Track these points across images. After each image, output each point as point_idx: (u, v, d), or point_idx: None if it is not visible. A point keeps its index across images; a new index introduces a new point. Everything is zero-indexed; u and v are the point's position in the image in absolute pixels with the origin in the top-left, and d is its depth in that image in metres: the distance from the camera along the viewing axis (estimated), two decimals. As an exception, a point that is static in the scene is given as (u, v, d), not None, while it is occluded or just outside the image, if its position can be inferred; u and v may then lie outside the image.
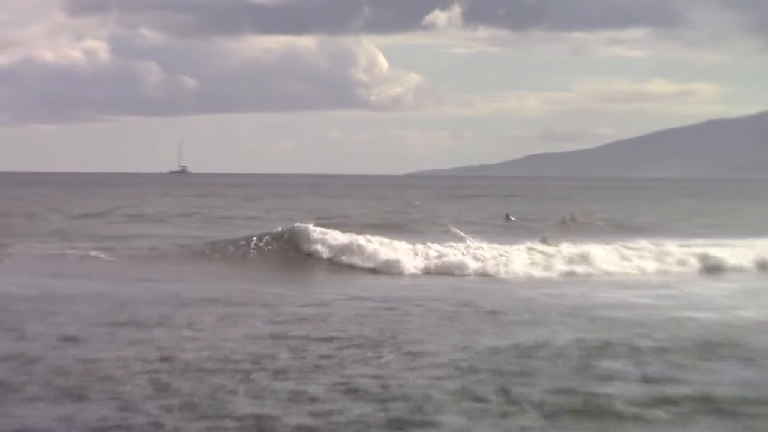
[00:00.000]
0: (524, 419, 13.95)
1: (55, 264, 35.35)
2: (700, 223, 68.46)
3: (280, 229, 39.90)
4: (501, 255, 37.09)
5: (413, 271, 35.23)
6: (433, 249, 37.40)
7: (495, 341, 19.99)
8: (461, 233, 43.10)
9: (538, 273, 35.61)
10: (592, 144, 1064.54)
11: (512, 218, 70.67)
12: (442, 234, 43.83)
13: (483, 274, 34.90)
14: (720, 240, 46.30)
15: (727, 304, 27.37)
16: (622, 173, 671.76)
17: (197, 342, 19.44)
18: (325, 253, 37.28)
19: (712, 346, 19.69)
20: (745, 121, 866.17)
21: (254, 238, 39.15)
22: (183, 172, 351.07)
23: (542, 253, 37.93)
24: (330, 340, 19.81)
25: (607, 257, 37.86)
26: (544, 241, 42.73)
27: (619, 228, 59.74)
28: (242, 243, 39.03)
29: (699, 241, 46.21)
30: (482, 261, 36.22)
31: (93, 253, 38.08)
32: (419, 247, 37.51)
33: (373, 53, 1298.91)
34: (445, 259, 36.42)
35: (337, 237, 37.99)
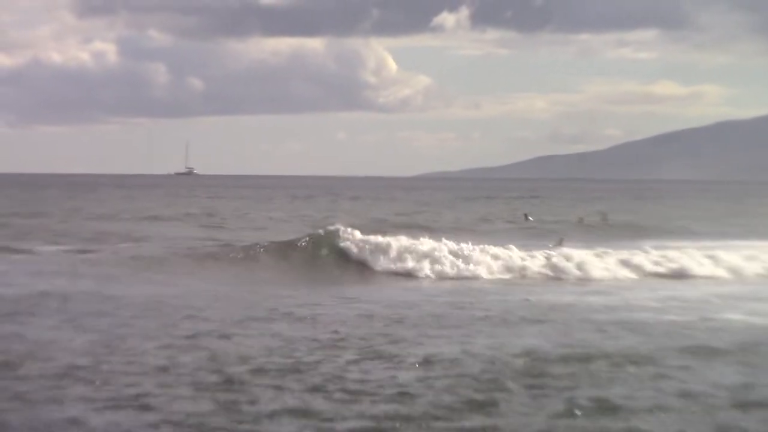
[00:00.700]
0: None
1: (160, 265, 35.33)
2: (734, 223, 67.89)
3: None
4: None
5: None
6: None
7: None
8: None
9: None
10: (599, 146, 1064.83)
11: (530, 219, 70.74)
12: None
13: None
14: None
15: None
16: (629, 175, 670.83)
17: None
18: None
19: None
20: (754, 123, 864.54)
21: (303, 241, 38.97)
22: (190, 173, 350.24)
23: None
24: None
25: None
26: (560, 243, 42.93)
27: (663, 232, 59.07)
28: (302, 244, 38.77)
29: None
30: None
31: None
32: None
33: (382, 55, 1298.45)
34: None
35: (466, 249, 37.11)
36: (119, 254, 39.45)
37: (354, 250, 37.53)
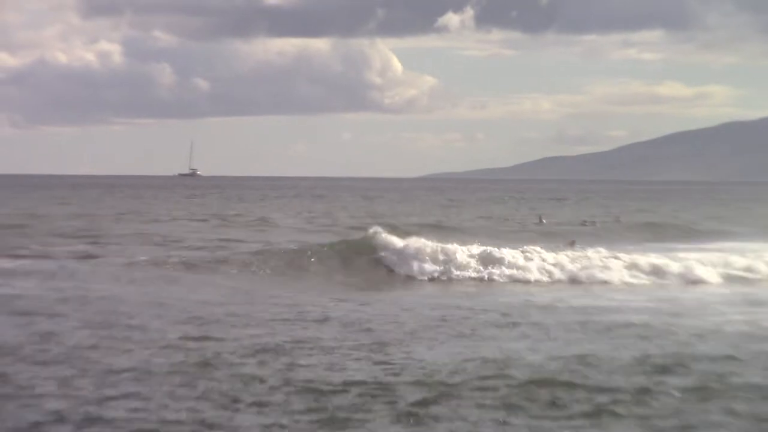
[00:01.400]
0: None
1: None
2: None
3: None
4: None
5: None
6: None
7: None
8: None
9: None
10: (605, 147, 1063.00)
11: (544, 221, 69.96)
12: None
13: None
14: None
15: None
16: (635, 176, 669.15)
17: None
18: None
19: None
20: (761, 124, 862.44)
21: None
22: (193, 175, 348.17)
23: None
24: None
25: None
26: (572, 244, 42.63)
27: (689, 233, 57.84)
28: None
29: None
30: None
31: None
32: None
33: (387, 56, 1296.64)
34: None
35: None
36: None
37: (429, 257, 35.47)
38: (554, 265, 35.28)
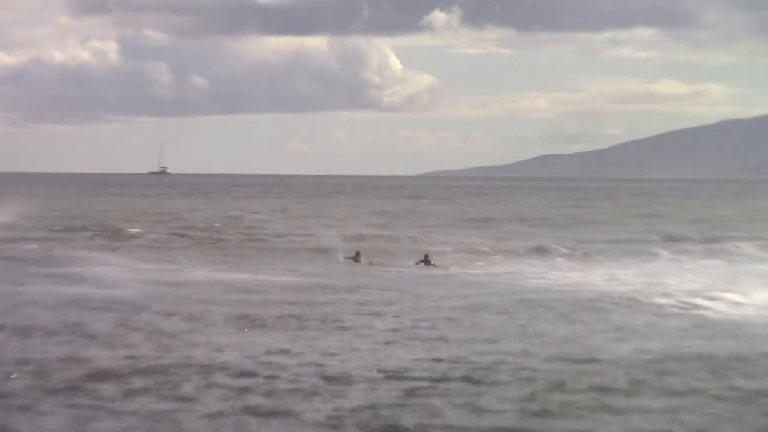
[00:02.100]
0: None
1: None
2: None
3: None
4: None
5: None
6: None
7: None
8: None
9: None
10: (601, 145, 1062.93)
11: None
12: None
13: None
14: None
15: None
16: (632, 174, 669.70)
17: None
18: None
19: None
20: (757, 122, 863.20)
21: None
22: (163, 173, 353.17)
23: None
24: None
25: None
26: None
27: None
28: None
29: None
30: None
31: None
32: None
33: (385, 53, 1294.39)
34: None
35: None
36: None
37: None
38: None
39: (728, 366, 20.77)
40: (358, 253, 46.18)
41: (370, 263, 44.84)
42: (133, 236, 58.25)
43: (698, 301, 30.95)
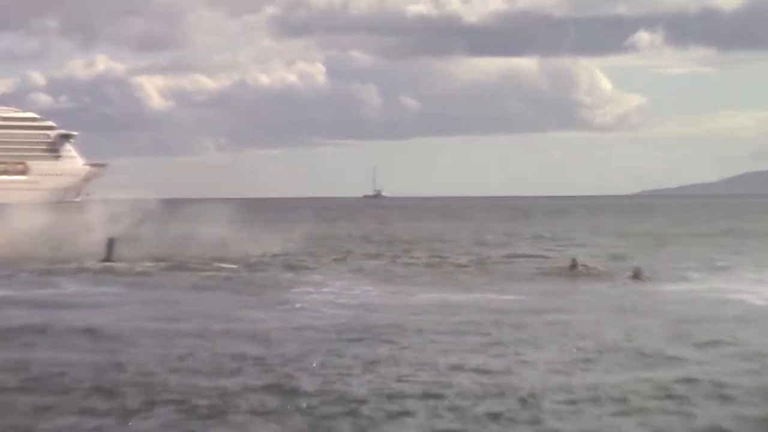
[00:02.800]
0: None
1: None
2: None
3: None
4: None
5: None
6: None
7: None
8: None
9: None
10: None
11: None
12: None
13: None
14: None
15: None
16: None
17: None
18: None
19: None
20: None
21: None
22: (378, 196, 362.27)
23: None
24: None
25: None
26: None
27: None
28: None
29: None
30: None
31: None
32: None
33: (593, 74, 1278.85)
34: None
35: None
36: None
37: None
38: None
39: None
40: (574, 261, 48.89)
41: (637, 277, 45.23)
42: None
43: None
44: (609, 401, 19.55)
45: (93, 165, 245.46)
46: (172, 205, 66.86)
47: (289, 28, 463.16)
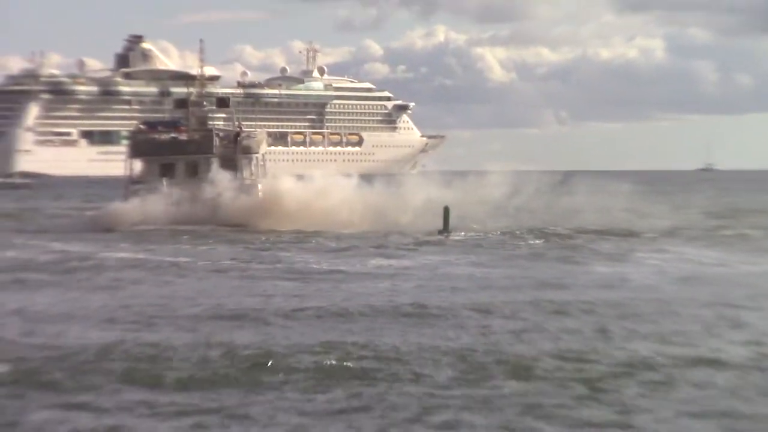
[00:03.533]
0: None
1: None
2: None
3: None
4: None
5: None
6: None
7: None
8: None
9: None
10: None
11: None
12: None
13: None
14: None
15: None
16: None
17: None
18: None
19: None
20: None
21: None
22: (709, 169, 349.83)
23: None
24: None
25: None
26: None
27: None
28: None
29: None
30: None
31: None
32: None
33: None
34: None
35: None
36: None
37: None
38: None
39: None
40: None
41: None
42: None
43: None
44: None
45: (430, 137, 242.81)
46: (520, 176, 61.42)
47: (630, 3, 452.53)
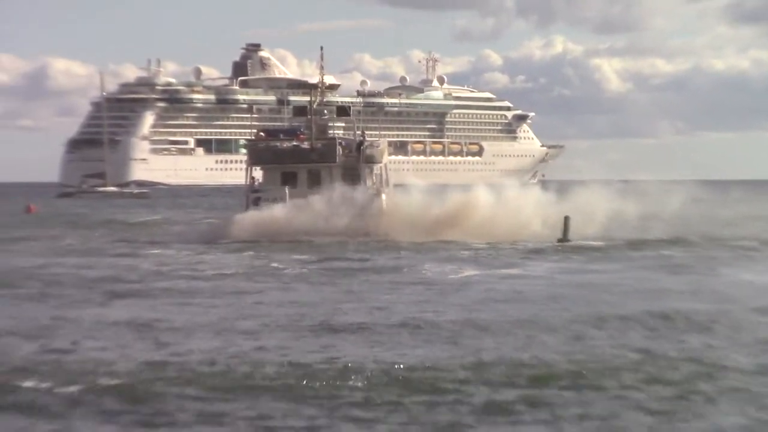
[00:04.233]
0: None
1: None
2: None
3: None
4: None
5: None
6: None
7: None
8: None
9: None
10: None
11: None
12: None
13: None
14: None
15: None
16: None
17: None
18: None
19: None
20: None
21: None
22: None
23: None
24: None
25: None
26: None
27: None
28: None
29: None
30: None
31: None
32: None
33: None
34: None
35: None
36: None
37: None
38: None
39: None
40: None
41: None
42: None
43: None
44: None
45: (550, 147, 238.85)
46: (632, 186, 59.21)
47: (743, 15, 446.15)
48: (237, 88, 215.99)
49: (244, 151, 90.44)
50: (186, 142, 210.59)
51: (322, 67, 72.05)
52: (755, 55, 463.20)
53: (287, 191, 54.96)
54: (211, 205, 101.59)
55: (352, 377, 18.03)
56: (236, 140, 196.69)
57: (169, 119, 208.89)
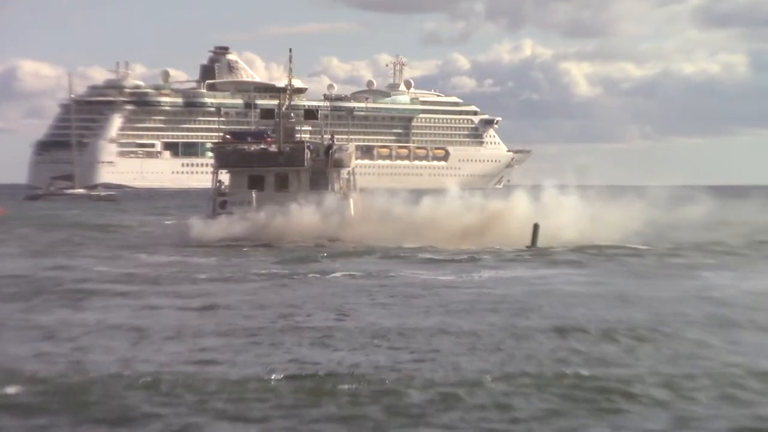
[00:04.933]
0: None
1: None
2: None
3: None
4: None
5: None
6: None
7: None
8: None
9: None
10: None
11: None
12: None
13: None
14: None
15: None
16: None
17: None
18: None
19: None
20: None
21: None
22: None
23: None
24: None
25: None
26: None
27: None
28: None
29: None
30: None
31: None
32: None
33: None
34: None
35: None
36: None
37: None
38: None
39: None
40: None
41: None
42: None
43: None
44: None
45: (517, 151, 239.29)
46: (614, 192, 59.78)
47: (713, 19, 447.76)
48: (204, 91, 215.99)
49: (210, 154, 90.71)
50: (153, 145, 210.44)
51: (290, 69, 71.71)
52: (725, 59, 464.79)
53: (254, 195, 55.11)
54: (178, 207, 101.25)
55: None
56: (203, 143, 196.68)
57: (136, 122, 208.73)
